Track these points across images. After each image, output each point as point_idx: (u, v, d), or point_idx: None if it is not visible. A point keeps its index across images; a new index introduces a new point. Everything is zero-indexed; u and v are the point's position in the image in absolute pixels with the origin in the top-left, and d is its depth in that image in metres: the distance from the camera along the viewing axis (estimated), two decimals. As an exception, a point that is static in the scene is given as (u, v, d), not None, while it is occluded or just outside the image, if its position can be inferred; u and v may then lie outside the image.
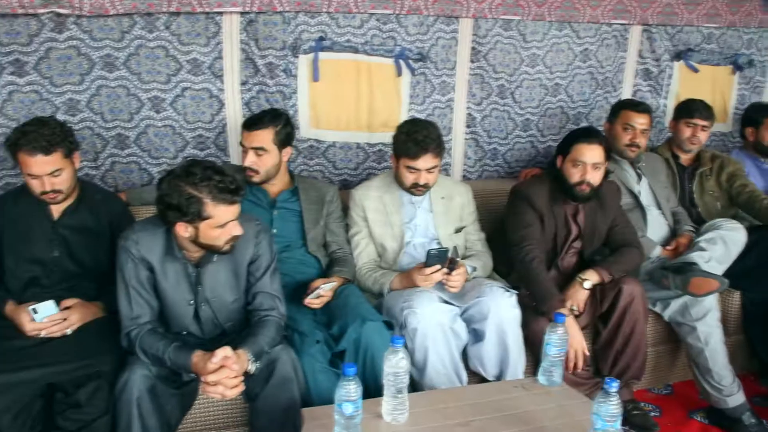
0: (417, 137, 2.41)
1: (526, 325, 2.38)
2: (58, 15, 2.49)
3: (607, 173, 2.57)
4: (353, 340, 2.17)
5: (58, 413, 1.99)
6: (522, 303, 2.39)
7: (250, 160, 2.44)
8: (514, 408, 1.89)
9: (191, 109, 2.80)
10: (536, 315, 2.41)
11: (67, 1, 2.45)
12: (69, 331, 2.12)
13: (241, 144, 2.48)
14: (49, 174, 2.17)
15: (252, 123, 2.45)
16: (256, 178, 2.46)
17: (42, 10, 2.44)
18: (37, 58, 2.53)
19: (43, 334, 2.09)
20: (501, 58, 3.24)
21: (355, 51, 2.95)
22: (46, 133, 2.14)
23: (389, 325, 2.27)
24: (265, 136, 2.43)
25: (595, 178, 2.49)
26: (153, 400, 1.94)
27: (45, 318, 2.09)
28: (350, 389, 1.63)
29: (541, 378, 2.02)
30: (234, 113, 2.84)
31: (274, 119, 2.45)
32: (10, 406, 1.93)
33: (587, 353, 2.46)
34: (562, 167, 2.55)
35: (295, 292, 2.37)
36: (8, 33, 2.46)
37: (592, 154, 2.47)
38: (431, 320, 2.25)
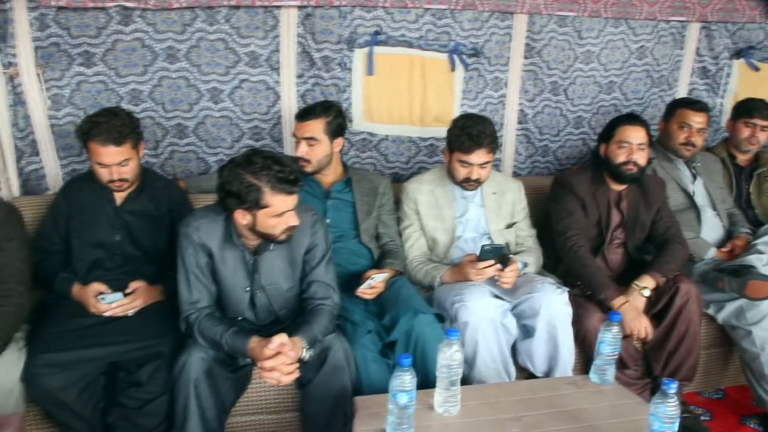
0: (471, 132, 2.42)
1: (577, 323, 2.37)
2: (125, 8, 2.58)
3: (649, 161, 2.61)
4: (404, 332, 2.19)
5: (120, 391, 2.08)
6: (574, 300, 2.38)
7: (302, 150, 2.48)
8: (565, 405, 1.88)
9: (248, 101, 2.86)
10: (589, 309, 2.41)
11: (134, -6, 2.54)
12: (131, 313, 2.20)
13: (294, 135, 2.52)
14: (117, 164, 2.25)
15: (304, 114, 2.50)
16: (308, 168, 2.50)
17: (110, 4, 2.53)
18: (104, 49, 2.63)
19: (107, 314, 2.17)
20: (555, 55, 3.21)
21: (410, 45, 2.96)
22: (117, 125, 2.22)
23: (440, 318, 2.29)
24: (316, 126, 2.46)
25: (641, 158, 2.55)
26: (209, 382, 2.00)
27: (112, 302, 2.18)
28: (405, 380, 1.65)
29: (593, 376, 2.01)
30: (289, 105, 2.89)
31: (325, 110, 2.49)
32: (76, 381, 2.03)
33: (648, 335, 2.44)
34: (606, 153, 2.61)
35: (347, 282, 2.41)
36: (78, 26, 2.56)
37: (637, 134, 2.54)
38: (482, 314, 2.26)
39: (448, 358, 1.76)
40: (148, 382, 2.05)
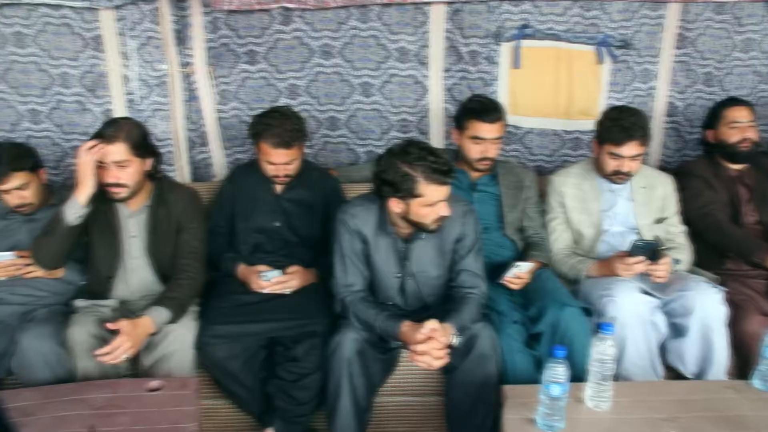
0: (624, 123, 2.38)
1: (733, 325, 2.27)
2: (287, 9, 2.75)
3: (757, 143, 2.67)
4: (551, 324, 2.19)
5: (278, 364, 2.24)
6: (732, 301, 2.28)
7: (495, 151, 2.55)
8: (725, 410, 1.81)
9: (397, 95, 2.96)
10: (748, 311, 2.31)
11: (296, -4, 2.71)
12: (288, 291, 2.37)
13: (476, 136, 2.51)
14: (284, 163, 2.42)
15: (491, 112, 2.51)
16: (488, 167, 2.58)
17: (274, 6, 2.72)
18: (267, 48, 2.83)
19: (266, 290, 2.35)
20: (710, 44, 3.03)
21: (557, 38, 2.93)
22: (288, 129, 2.38)
23: (587, 312, 2.27)
24: (502, 128, 2.53)
25: (753, 134, 2.64)
26: (361, 362, 2.10)
27: (272, 278, 2.36)
28: (559, 371, 1.67)
29: (756, 382, 1.91)
30: (436, 99, 2.96)
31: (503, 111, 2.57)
32: (240, 353, 2.22)
33: None
34: (717, 137, 2.68)
35: (491, 273, 2.42)
36: (245, 27, 2.78)
37: (744, 113, 2.65)
38: (631, 310, 2.22)
39: (601, 353, 1.75)
40: (303, 358, 2.19)
